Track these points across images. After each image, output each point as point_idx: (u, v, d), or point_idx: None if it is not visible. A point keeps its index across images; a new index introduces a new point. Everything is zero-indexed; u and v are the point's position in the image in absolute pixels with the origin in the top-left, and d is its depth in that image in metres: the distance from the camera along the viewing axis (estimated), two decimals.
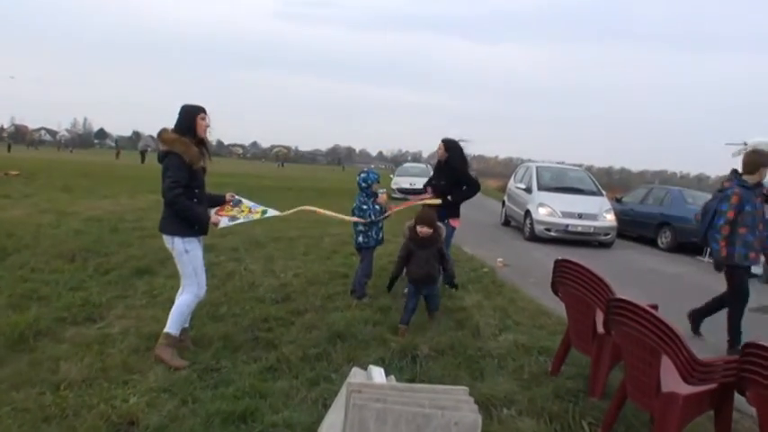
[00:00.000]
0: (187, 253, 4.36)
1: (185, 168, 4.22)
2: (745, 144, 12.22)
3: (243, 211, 4.81)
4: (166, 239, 4.39)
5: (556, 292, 4.53)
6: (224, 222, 4.60)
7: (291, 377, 4.20)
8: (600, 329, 4.04)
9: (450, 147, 6.97)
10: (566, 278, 4.30)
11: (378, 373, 3.15)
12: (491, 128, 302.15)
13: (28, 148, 77.33)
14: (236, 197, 4.90)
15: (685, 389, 3.15)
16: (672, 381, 3.22)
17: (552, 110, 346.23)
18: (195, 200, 4.34)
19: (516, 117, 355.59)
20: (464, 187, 6.99)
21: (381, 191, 6.35)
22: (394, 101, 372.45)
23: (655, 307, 3.66)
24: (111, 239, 9.08)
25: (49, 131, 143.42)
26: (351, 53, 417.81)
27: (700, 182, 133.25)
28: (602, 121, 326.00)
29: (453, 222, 7.02)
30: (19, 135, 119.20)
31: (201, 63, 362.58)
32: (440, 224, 5.47)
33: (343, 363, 4.48)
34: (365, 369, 4.17)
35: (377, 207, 6.23)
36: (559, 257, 4.50)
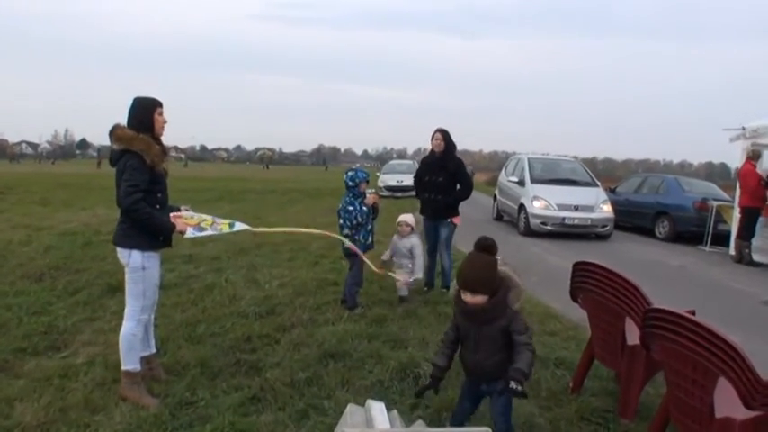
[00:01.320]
0: (144, 270, 3.76)
1: (146, 170, 3.63)
2: (743, 129, 11.84)
3: (206, 221, 4.18)
4: (122, 253, 3.77)
5: (575, 298, 4.01)
6: (191, 232, 3.94)
7: (277, 408, 3.66)
8: (631, 341, 3.54)
9: (449, 139, 6.50)
10: (588, 283, 3.78)
11: (378, 411, 2.64)
12: (474, 122, 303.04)
13: (11, 163, 75.91)
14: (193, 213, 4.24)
15: (742, 414, 2.66)
16: (725, 404, 2.73)
17: (534, 103, 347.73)
18: (158, 206, 3.76)
19: (498, 111, 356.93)
20: (458, 186, 6.54)
21: (370, 191, 5.81)
22: (377, 99, 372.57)
23: (692, 312, 3.18)
24: (84, 254, 8.53)
25: (30, 144, 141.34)
26: (334, 53, 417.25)
27: (683, 169, 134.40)
28: (584, 112, 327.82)
29: (455, 220, 6.61)
30: None
31: (183, 67, 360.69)
32: (511, 274, 3.03)
33: (336, 387, 3.98)
34: (361, 398, 3.67)
35: (364, 209, 5.71)
36: (579, 260, 3.96)
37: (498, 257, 3.01)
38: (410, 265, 6.07)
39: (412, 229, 6.15)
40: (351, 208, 5.67)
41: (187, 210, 4.16)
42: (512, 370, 2.85)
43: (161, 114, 3.77)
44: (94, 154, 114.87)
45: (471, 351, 3.08)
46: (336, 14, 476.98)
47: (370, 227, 5.80)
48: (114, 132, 3.67)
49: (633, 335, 3.58)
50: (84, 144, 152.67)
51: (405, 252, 6.09)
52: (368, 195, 5.74)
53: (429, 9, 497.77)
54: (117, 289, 6.27)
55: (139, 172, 3.60)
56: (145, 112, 3.71)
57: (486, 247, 2.99)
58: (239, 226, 4.28)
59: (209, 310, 5.70)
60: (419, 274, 6.11)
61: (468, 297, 2.95)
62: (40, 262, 7.84)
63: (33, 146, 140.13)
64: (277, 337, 4.98)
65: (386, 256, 6.24)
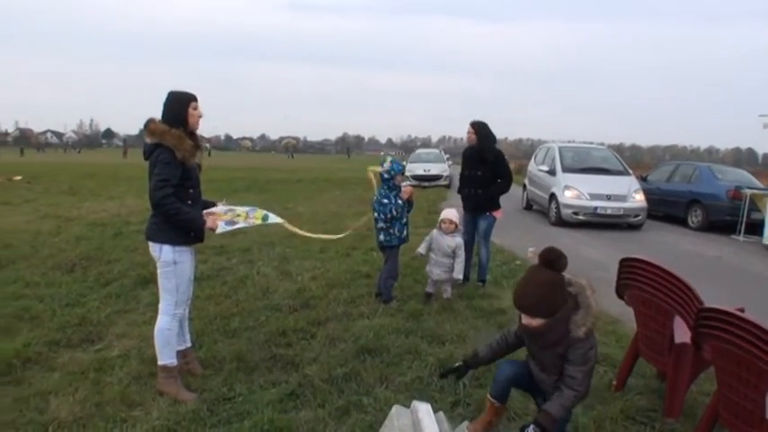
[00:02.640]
0: (175, 265, 3.70)
1: (177, 165, 3.56)
2: None
3: (240, 216, 4.11)
4: (153, 248, 3.72)
5: (621, 295, 3.87)
6: (222, 227, 3.90)
7: (317, 405, 3.58)
8: (678, 339, 3.41)
9: (482, 131, 6.33)
10: (636, 280, 3.64)
11: (425, 413, 2.55)
12: (497, 109, 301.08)
13: (38, 152, 77.26)
14: (229, 206, 4.19)
15: None
16: None
17: (557, 88, 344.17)
18: (189, 201, 3.69)
19: (521, 97, 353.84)
20: (498, 180, 6.38)
21: (404, 183, 5.65)
22: (401, 87, 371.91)
23: (741, 310, 3.05)
24: (115, 245, 8.55)
25: (55, 134, 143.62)
26: (358, 41, 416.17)
27: (710, 155, 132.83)
28: (609, 99, 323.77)
29: (496, 213, 6.44)
30: (24, 139, 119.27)
31: (208, 57, 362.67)
32: (585, 292, 2.71)
33: (375, 383, 3.89)
34: (401, 395, 3.60)
35: (399, 202, 5.55)
36: (626, 256, 3.82)
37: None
38: (450, 265, 5.72)
39: (456, 226, 5.78)
40: (385, 201, 5.52)
41: (223, 204, 4.11)
42: (540, 412, 2.62)
43: (195, 108, 3.70)
44: (120, 143, 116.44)
45: (537, 367, 2.85)
46: (357, 1, 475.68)
47: (405, 220, 5.64)
48: (148, 126, 3.62)
49: (681, 333, 3.47)
50: (109, 133, 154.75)
51: (447, 251, 5.70)
52: (403, 188, 5.59)
53: None
54: (149, 281, 6.27)
55: (170, 167, 3.54)
56: (179, 107, 3.65)
57: (549, 262, 2.60)
58: (273, 218, 4.22)
59: (243, 303, 5.65)
60: (459, 276, 5.80)
61: (524, 319, 2.66)
62: (71, 253, 7.87)
63: (59, 135, 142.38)
64: (312, 331, 4.90)
65: (422, 249, 5.86)
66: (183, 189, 3.63)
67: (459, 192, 6.73)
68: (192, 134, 3.69)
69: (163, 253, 3.68)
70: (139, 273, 6.67)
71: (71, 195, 16.57)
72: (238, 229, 4.09)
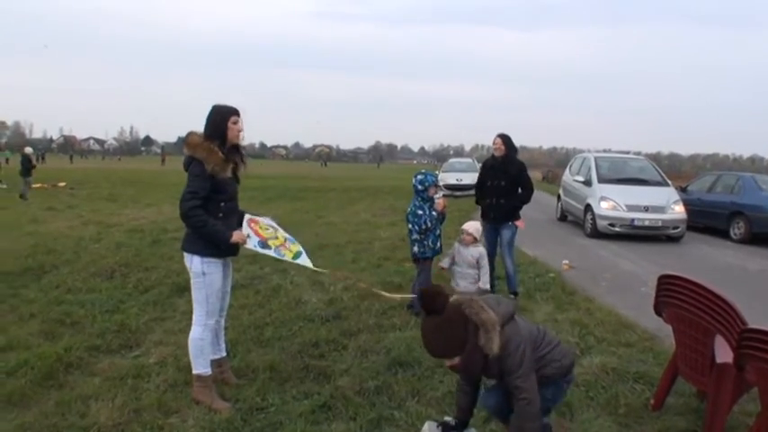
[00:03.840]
0: (204, 276, 3.76)
1: (206, 178, 3.62)
2: None
3: (277, 239, 4.15)
4: (186, 258, 3.80)
5: (659, 312, 3.81)
6: (252, 243, 3.92)
7: (348, 418, 3.59)
8: (720, 359, 3.33)
9: (509, 143, 6.43)
10: (675, 298, 3.57)
11: None
12: (531, 117, 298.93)
13: (82, 158, 79.41)
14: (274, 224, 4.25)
15: None
16: None
17: (593, 95, 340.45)
18: (221, 214, 3.74)
19: (556, 105, 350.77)
20: (519, 190, 6.45)
21: (438, 195, 5.65)
22: (433, 95, 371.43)
23: None
24: (152, 252, 8.75)
25: (97, 141, 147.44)
26: (389, 49, 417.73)
27: (753, 163, 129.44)
28: (646, 106, 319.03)
29: (518, 223, 6.47)
30: (68, 145, 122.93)
31: (242, 65, 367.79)
32: (479, 311, 2.62)
33: (407, 397, 3.89)
34: (432, 410, 3.60)
35: (433, 213, 5.58)
36: (665, 273, 3.75)
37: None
38: (476, 276, 5.65)
39: (474, 239, 5.68)
40: (420, 212, 5.55)
41: (269, 221, 4.16)
42: None
43: (236, 123, 3.75)
44: (158, 150, 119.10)
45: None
46: (391, 10, 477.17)
47: (438, 231, 5.66)
48: (186, 139, 3.70)
49: (722, 352, 3.38)
50: (148, 141, 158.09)
51: (471, 262, 5.64)
52: (437, 200, 5.60)
53: (485, 2, 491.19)
54: (185, 289, 6.32)
55: (200, 179, 3.61)
56: (218, 120, 3.71)
57: (428, 308, 2.60)
58: (303, 260, 4.21)
59: (276, 313, 5.71)
60: (487, 286, 5.72)
61: (446, 363, 2.69)
62: (111, 260, 8.07)
63: (100, 142, 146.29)
64: (344, 342, 4.93)
65: (445, 263, 5.78)
66: (213, 202, 3.69)
67: (478, 202, 6.82)
68: (235, 148, 3.76)
69: (193, 264, 3.76)
70: (175, 281, 6.80)
71: (112, 202, 16.98)
72: (266, 254, 4.09)
